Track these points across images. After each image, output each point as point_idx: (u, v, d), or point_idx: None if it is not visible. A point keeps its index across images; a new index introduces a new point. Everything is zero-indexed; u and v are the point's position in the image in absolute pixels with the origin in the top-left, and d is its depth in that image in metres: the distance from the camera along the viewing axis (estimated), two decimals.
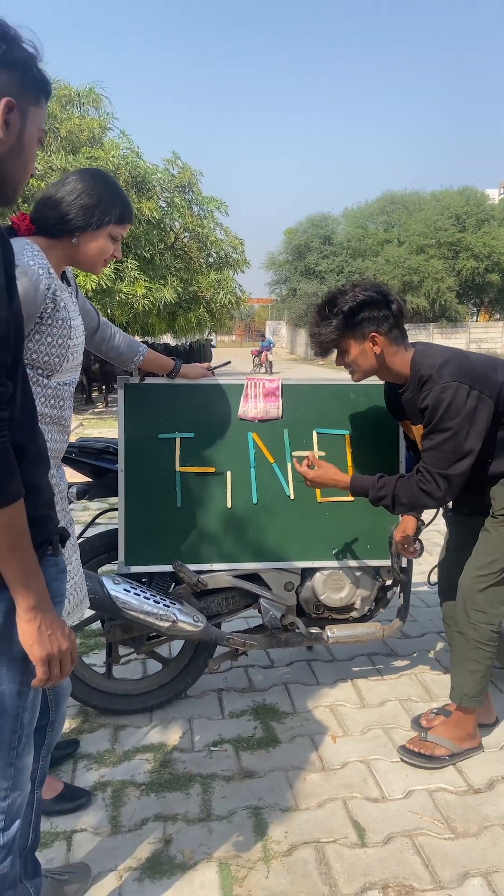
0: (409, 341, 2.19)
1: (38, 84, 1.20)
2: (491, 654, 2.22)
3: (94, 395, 15.65)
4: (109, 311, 10.78)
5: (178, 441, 2.47)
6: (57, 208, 1.70)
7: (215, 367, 2.57)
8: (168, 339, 18.15)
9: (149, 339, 15.00)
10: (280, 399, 2.51)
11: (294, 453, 2.44)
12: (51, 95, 1.28)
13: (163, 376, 2.42)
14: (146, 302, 11.10)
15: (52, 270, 1.68)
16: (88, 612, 2.48)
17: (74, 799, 2.08)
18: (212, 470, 2.48)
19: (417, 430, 2.20)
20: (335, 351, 2.21)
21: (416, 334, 31.83)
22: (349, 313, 2.09)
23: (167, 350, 16.48)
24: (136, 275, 10.89)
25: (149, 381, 2.44)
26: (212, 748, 2.37)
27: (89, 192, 1.72)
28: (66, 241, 1.74)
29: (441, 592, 2.57)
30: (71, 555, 1.82)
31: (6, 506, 1.07)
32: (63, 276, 1.82)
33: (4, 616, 1.18)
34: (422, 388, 2.07)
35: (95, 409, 13.61)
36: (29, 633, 1.15)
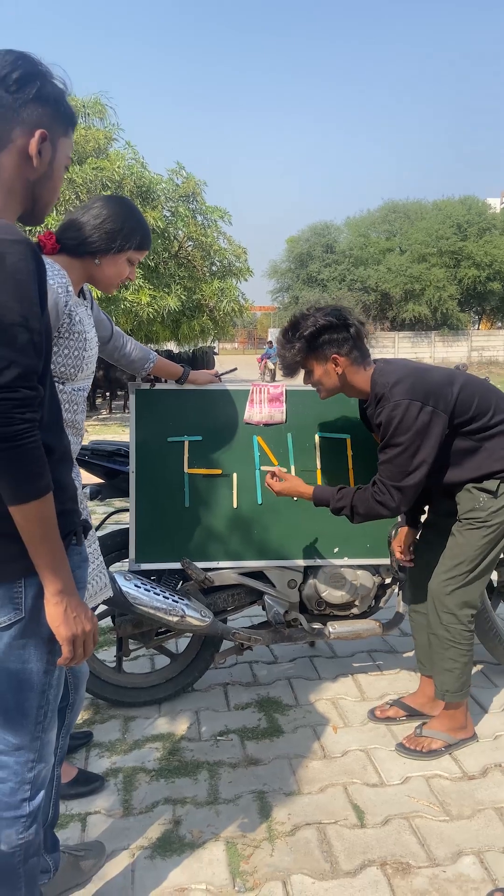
0: (371, 358, 2.33)
1: (66, 117, 1.33)
2: (466, 651, 2.33)
3: (98, 401, 15.79)
4: (114, 319, 10.93)
5: (186, 444, 2.58)
6: (82, 230, 1.83)
7: (222, 374, 2.70)
8: (171, 346, 18.30)
9: (152, 346, 15.14)
10: (284, 404, 2.63)
11: (262, 468, 2.56)
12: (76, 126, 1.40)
13: (168, 382, 2.55)
14: (150, 310, 11.24)
15: (70, 288, 1.81)
16: (100, 608, 2.60)
17: (88, 783, 2.19)
18: (219, 472, 2.60)
19: None
20: (302, 370, 2.35)
21: (418, 342, 32.00)
22: (311, 337, 2.24)
23: (170, 357, 16.61)
24: (141, 283, 11.04)
25: (159, 387, 2.56)
26: (218, 737, 2.48)
27: (114, 218, 1.85)
28: (87, 262, 1.87)
29: (406, 589, 2.69)
30: (89, 545, 1.94)
31: (38, 498, 1.19)
32: (80, 292, 1.95)
33: (33, 600, 1.30)
34: (377, 405, 2.21)
35: (99, 416, 13.74)
36: (56, 615, 1.26)
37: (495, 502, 2.24)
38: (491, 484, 2.25)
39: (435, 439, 2.16)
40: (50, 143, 1.29)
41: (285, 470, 2.50)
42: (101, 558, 2.05)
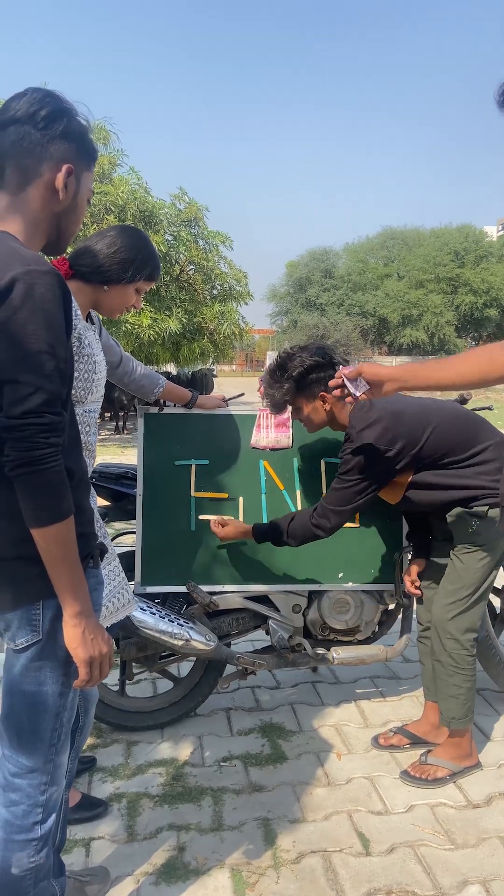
0: None
1: (90, 152, 1.38)
2: (469, 676, 2.35)
3: (98, 421, 15.80)
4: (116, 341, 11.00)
5: (193, 468, 2.61)
6: (96, 258, 1.87)
7: (230, 399, 2.73)
8: (171, 368, 18.39)
9: (152, 367, 15.22)
10: (291, 429, 2.66)
11: (201, 517, 2.59)
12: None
13: (176, 406, 2.58)
14: (151, 332, 11.33)
15: (79, 312, 1.85)
16: None
17: (92, 808, 2.18)
18: (225, 496, 2.62)
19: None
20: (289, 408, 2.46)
21: None
22: (299, 377, 2.33)
23: (169, 379, 16.68)
24: (143, 306, 11.11)
25: (167, 410, 2.60)
26: (222, 763, 2.47)
27: (127, 249, 1.90)
28: (97, 288, 1.92)
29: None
30: (107, 564, 1.96)
31: (60, 521, 1.21)
32: (88, 316, 1.99)
33: (51, 622, 1.31)
34: (346, 442, 2.32)
35: (99, 436, 13.75)
36: (74, 636, 1.28)
37: (486, 525, 2.29)
38: (480, 509, 2.30)
39: (385, 480, 2.30)
40: (75, 177, 1.33)
41: (230, 517, 2.57)
42: (123, 574, 2.06)
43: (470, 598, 2.32)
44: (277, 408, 2.43)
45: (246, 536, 2.49)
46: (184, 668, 3.06)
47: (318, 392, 2.34)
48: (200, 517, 2.58)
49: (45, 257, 1.44)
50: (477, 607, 2.34)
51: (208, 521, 2.56)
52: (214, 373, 21.60)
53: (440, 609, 2.36)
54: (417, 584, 2.58)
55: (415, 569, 2.58)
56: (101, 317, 2.11)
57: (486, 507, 2.28)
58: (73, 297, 1.83)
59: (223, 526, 2.51)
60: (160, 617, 2.44)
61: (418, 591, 2.58)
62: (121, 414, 14.49)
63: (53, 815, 1.42)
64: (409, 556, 2.64)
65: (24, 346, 1.17)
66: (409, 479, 2.33)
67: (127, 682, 2.73)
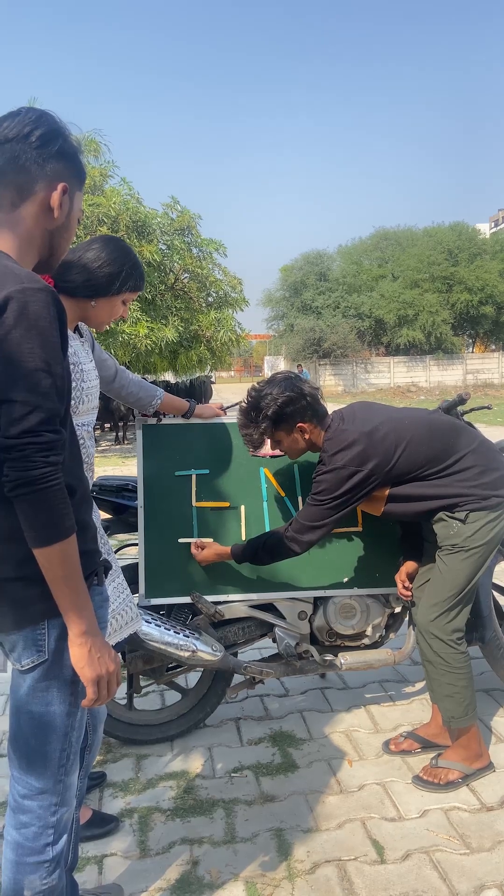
0: (329, 416, 2.43)
1: (81, 173, 1.39)
2: (462, 673, 2.35)
3: (97, 433, 15.82)
4: (112, 351, 11.01)
5: (193, 478, 2.60)
6: (81, 273, 1.87)
7: (228, 407, 2.73)
8: (169, 376, 18.40)
9: (149, 377, 15.23)
10: None
11: (181, 539, 2.57)
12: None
13: (174, 416, 2.58)
14: (148, 341, 11.32)
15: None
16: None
17: (104, 824, 2.16)
18: (226, 504, 2.61)
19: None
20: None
21: (413, 366, 32.28)
22: (274, 416, 2.34)
23: (167, 388, 16.71)
24: (139, 315, 11.14)
25: (165, 421, 2.59)
26: (233, 774, 2.46)
27: (112, 262, 1.90)
28: (83, 302, 1.92)
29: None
30: (110, 582, 1.95)
31: (63, 540, 1.20)
32: (76, 329, 1.99)
33: (56, 642, 1.31)
34: (319, 463, 2.36)
35: (99, 447, 13.76)
36: (80, 656, 1.27)
37: (467, 528, 2.31)
38: (459, 514, 2.32)
39: (358, 498, 2.30)
40: (69, 196, 1.34)
41: (210, 539, 2.56)
42: (128, 590, 2.05)
43: (453, 599, 2.33)
44: (256, 446, 2.43)
45: (224, 558, 2.49)
46: (191, 679, 3.05)
47: (295, 424, 2.36)
48: (180, 540, 2.56)
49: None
50: (461, 608, 2.36)
51: (209, 528, 2.55)
52: (213, 380, 21.68)
53: (423, 611, 2.39)
54: (409, 586, 2.57)
55: (405, 571, 2.58)
56: (94, 330, 2.11)
57: (466, 512, 2.30)
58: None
59: (202, 549, 2.51)
60: (166, 629, 2.43)
61: (409, 593, 2.57)
62: (120, 424, 14.51)
63: (65, 836, 1.41)
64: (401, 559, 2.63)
65: (20, 364, 1.17)
66: (388, 493, 2.35)
67: (135, 695, 2.72)
